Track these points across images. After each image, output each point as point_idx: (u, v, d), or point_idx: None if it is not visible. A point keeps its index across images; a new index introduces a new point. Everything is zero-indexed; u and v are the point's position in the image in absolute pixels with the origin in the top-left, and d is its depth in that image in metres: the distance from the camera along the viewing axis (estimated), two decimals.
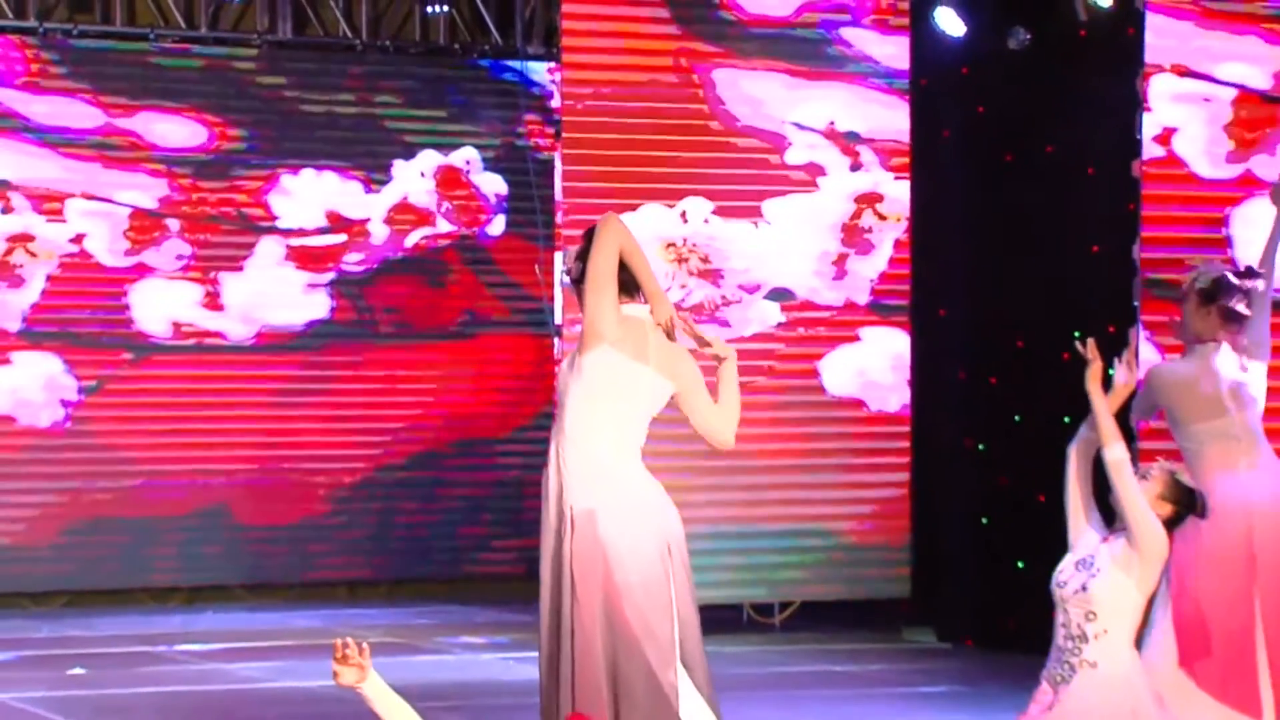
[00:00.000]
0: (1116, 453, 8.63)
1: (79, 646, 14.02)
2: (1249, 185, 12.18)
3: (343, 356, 16.78)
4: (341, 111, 16.67)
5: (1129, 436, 9.46)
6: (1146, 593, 8.69)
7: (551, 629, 7.54)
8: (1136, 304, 11.73)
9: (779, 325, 14.25)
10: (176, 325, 16.39)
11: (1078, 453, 8.86)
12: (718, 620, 12.85)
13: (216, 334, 16.45)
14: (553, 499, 7.56)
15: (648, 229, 13.19)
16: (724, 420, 7.77)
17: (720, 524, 13.68)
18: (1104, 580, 8.64)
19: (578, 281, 7.64)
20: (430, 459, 17.03)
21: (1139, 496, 8.67)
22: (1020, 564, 13.32)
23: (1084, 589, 8.67)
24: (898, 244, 14.45)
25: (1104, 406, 8.74)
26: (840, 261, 14.39)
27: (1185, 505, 8.89)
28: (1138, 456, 9.77)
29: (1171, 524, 8.86)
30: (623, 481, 7.57)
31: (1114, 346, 12.42)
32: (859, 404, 14.48)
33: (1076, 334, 12.93)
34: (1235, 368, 9.63)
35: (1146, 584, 8.67)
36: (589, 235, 7.68)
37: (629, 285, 7.61)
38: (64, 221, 16.01)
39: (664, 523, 7.60)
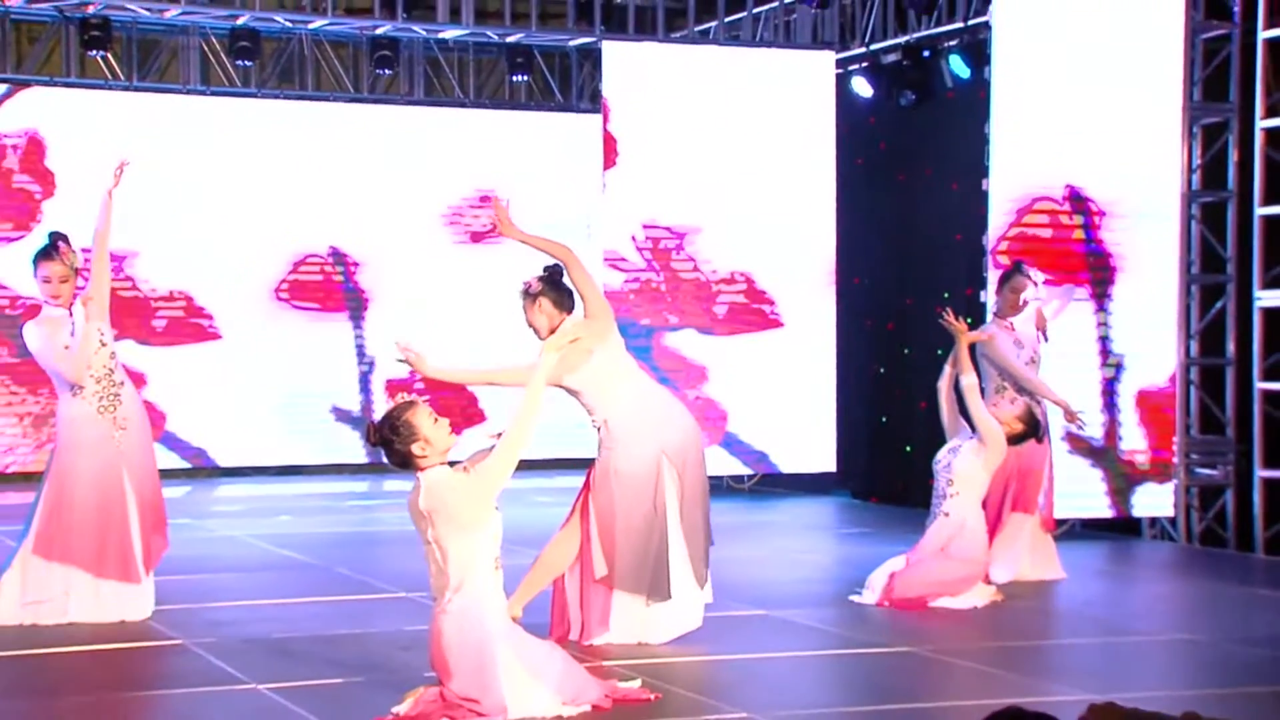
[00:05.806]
0: (969, 379, 8.78)
1: (288, 501, 14.07)
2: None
3: None
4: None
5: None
6: (990, 470, 8.80)
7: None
8: (985, 275, 11.76)
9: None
10: None
11: (945, 381, 8.99)
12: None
13: None
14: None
15: None
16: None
17: (710, 428, 13.72)
18: (961, 459, 8.79)
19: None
20: None
21: (983, 409, 8.81)
22: (908, 449, 13.42)
23: (949, 466, 8.81)
24: None
25: (964, 349, 8.87)
26: None
27: (1031, 429, 8.98)
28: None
29: (1016, 440, 8.94)
30: (631, 405, 7.41)
31: (972, 303, 12.54)
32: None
33: (946, 294, 13.07)
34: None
35: (990, 465, 8.79)
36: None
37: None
38: None
39: (663, 436, 7.37)
